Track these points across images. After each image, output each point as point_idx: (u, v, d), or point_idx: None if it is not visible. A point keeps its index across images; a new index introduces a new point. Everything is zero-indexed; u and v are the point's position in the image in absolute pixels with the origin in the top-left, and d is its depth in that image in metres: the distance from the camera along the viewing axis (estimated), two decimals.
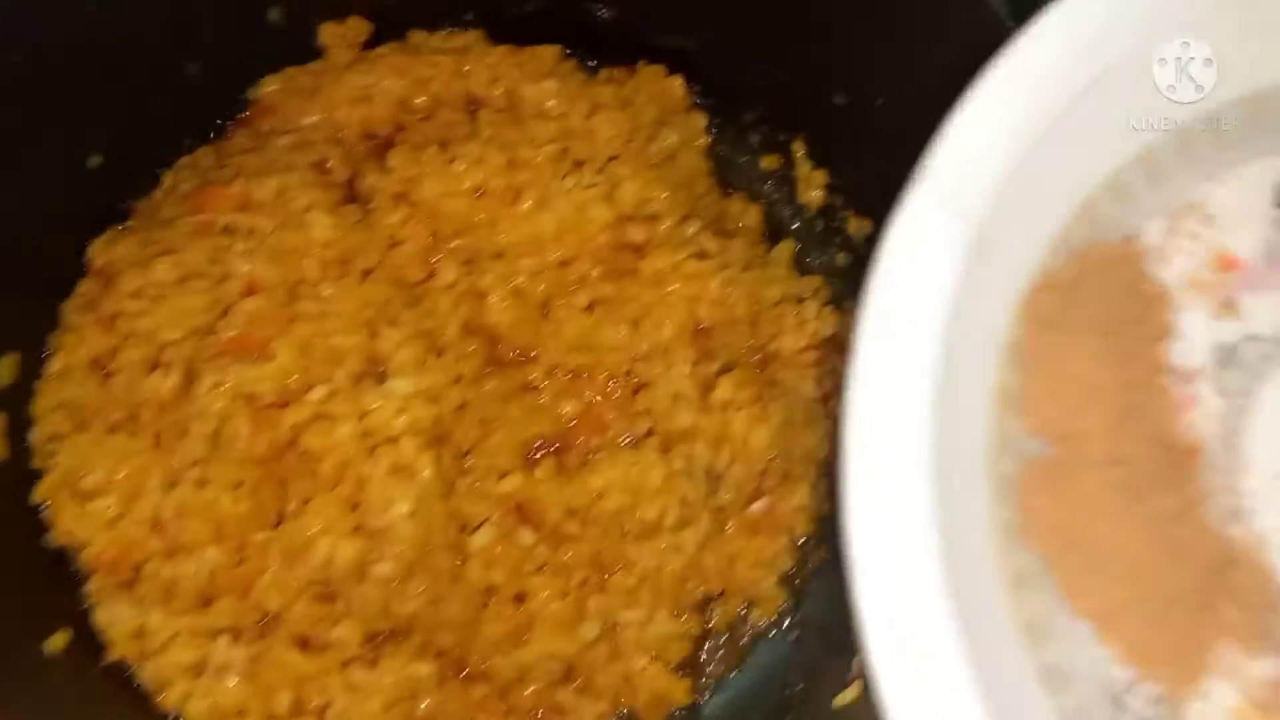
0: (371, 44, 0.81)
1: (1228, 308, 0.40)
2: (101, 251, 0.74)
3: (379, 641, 0.67)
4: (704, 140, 0.81)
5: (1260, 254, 0.40)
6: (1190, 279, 0.40)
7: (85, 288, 0.74)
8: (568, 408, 0.74)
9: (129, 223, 0.77)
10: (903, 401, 0.36)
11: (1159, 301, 0.40)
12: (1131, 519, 0.38)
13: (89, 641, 0.65)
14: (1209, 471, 0.38)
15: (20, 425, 0.69)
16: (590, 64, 0.84)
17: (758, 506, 0.69)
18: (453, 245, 0.75)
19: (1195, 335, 0.39)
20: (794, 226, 0.83)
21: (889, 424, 0.35)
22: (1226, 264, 0.40)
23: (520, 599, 0.68)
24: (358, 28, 0.80)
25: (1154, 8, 0.39)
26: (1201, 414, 0.39)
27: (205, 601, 0.66)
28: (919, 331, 0.37)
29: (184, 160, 0.79)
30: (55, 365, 0.71)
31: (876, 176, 0.75)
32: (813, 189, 0.81)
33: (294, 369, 0.68)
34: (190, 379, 0.69)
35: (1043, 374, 0.39)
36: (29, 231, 0.70)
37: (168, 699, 0.65)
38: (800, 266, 0.81)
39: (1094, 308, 0.39)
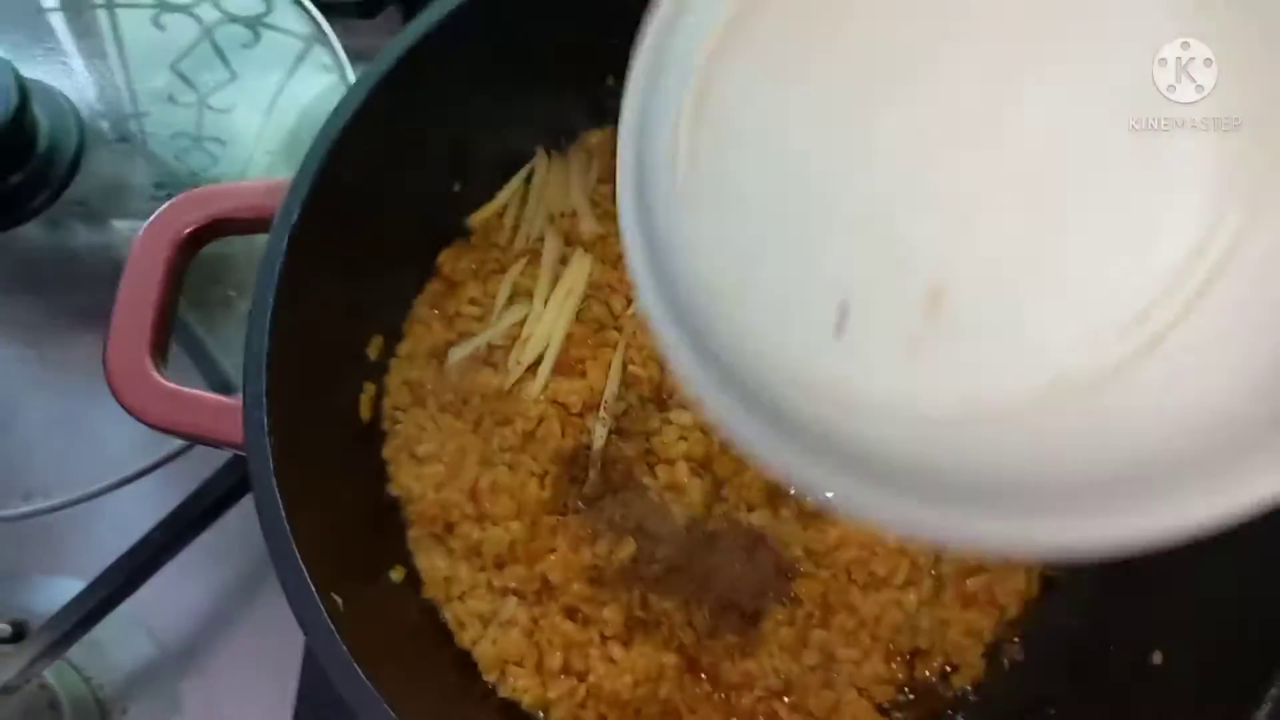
0: None
1: None
2: (449, 260, 0.91)
3: (634, 628, 0.80)
4: None
5: None
6: None
7: (433, 288, 0.91)
8: None
9: (471, 239, 0.93)
10: None
11: None
12: None
13: (414, 579, 0.81)
14: None
15: (379, 394, 0.86)
16: None
17: (975, 582, 0.78)
18: None
19: None
20: None
21: None
22: None
23: (754, 618, 0.80)
24: None
25: None
26: None
27: (500, 564, 0.81)
28: None
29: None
30: (404, 348, 0.88)
31: None
32: None
33: (598, 388, 0.82)
34: (515, 380, 0.84)
35: None
36: (402, 239, 0.87)
37: (463, 638, 0.80)
38: None
39: None
